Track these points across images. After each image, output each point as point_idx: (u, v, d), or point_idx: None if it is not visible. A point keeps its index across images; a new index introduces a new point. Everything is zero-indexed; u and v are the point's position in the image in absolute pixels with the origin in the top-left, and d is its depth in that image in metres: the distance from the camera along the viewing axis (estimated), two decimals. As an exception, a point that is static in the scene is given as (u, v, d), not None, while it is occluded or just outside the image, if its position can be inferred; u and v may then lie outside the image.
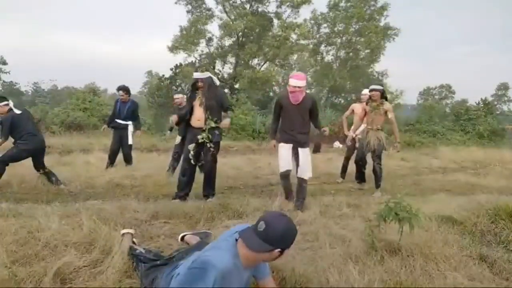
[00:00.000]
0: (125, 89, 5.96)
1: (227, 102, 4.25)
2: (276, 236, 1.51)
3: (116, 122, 6.02)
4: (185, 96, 5.74)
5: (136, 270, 2.04)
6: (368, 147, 4.98)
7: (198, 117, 4.05)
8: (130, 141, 6.00)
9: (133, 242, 2.37)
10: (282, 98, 3.85)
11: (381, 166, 4.99)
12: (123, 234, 2.38)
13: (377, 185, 5.04)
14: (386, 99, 5.42)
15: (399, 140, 5.08)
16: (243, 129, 15.45)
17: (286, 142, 3.84)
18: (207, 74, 4.09)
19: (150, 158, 7.36)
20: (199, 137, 3.96)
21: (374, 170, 5.00)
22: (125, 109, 5.98)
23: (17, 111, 4.52)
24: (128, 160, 6.10)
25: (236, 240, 1.60)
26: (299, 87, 3.57)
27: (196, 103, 4.08)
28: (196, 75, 4.13)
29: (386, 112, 4.86)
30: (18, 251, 2.15)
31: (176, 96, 6.07)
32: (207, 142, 3.96)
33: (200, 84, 4.06)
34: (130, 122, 6.03)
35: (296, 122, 3.77)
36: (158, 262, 1.99)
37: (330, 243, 2.56)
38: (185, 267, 1.61)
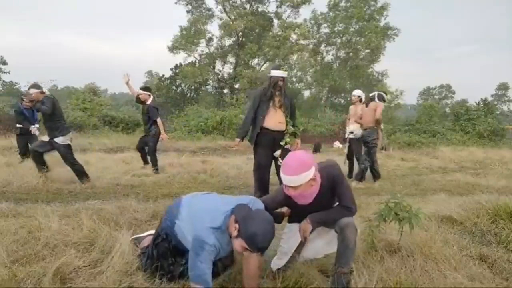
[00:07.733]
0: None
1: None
2: (245, 234, 1.64)
3: None
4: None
5: (143, 266, 2.06)
6: None
7: (280, 120, 3.92)
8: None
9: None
10: (281, 196, 1.97)
11: None
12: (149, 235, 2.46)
13: None
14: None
15: None
16: (243, 129, 15.51)
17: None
18: (286, 73, 3.97)
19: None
20: (281, 143, 3.89)
21: None
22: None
23: None
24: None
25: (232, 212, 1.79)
26: (303, 185, 1.78)
27: (276, 104, 3.90)
28: (279, 73, 3.90)
29: None
30: (18, 251, 2.15)
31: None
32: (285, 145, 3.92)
33: (281, 83, 3.89)
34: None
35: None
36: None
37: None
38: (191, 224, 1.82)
